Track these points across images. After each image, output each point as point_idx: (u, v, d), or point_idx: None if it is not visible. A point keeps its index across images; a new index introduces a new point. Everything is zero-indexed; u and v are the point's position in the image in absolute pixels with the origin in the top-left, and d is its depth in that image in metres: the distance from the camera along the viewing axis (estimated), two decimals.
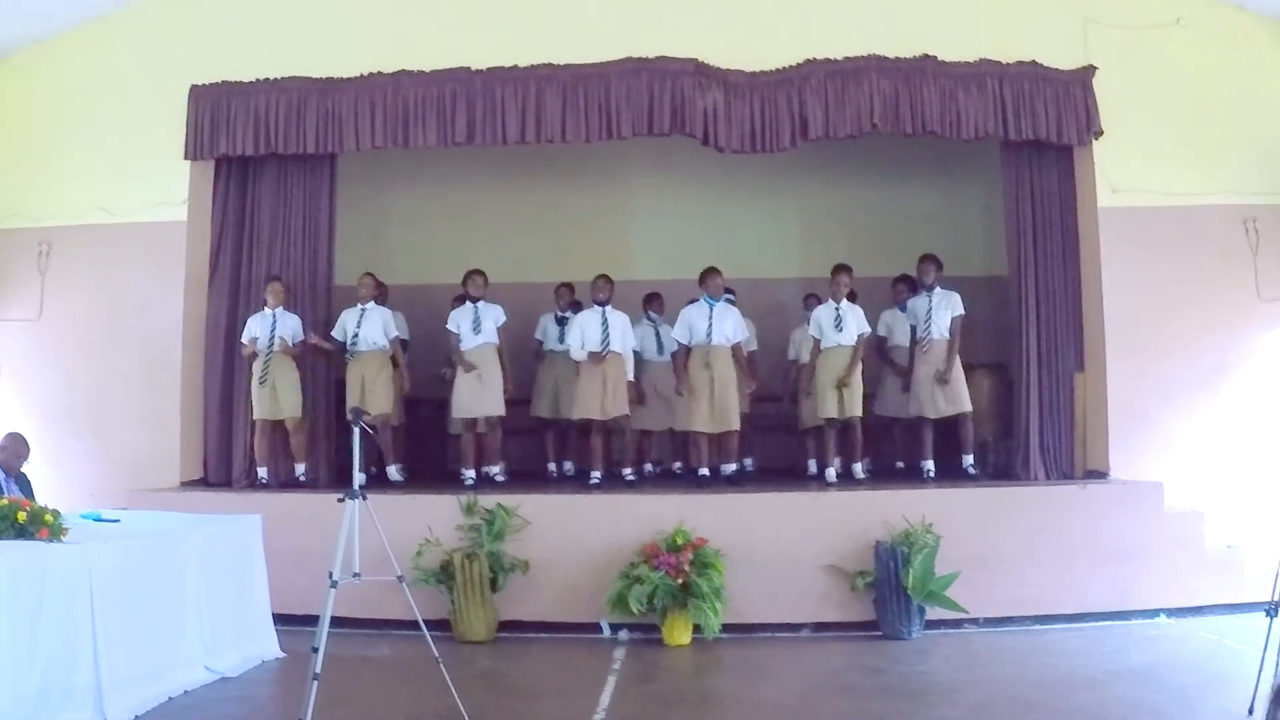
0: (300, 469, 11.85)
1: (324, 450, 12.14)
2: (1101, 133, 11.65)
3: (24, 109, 12.59)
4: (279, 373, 11.63)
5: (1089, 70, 11.69)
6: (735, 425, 11.53)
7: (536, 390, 13.11)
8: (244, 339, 11.73)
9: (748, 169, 13.61)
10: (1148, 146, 11.73)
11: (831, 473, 11.51)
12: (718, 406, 11.37)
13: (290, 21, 12.28)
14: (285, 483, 11.76)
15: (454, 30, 12.03)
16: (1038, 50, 11.72)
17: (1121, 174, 11.67)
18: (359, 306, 11.99)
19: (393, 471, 12.08)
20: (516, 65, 11.79)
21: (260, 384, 11.58)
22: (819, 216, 14.92)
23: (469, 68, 11.82)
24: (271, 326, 11.68)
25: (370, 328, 11.90)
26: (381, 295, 12.42)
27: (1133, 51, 11.76)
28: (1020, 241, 11.92)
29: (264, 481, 11.70)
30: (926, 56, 11.66)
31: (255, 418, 11.68)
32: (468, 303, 11.89)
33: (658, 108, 11.63)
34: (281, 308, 11.79)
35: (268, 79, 12.05)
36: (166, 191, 12.12)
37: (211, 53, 12.22)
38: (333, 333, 11.98)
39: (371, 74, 11.92)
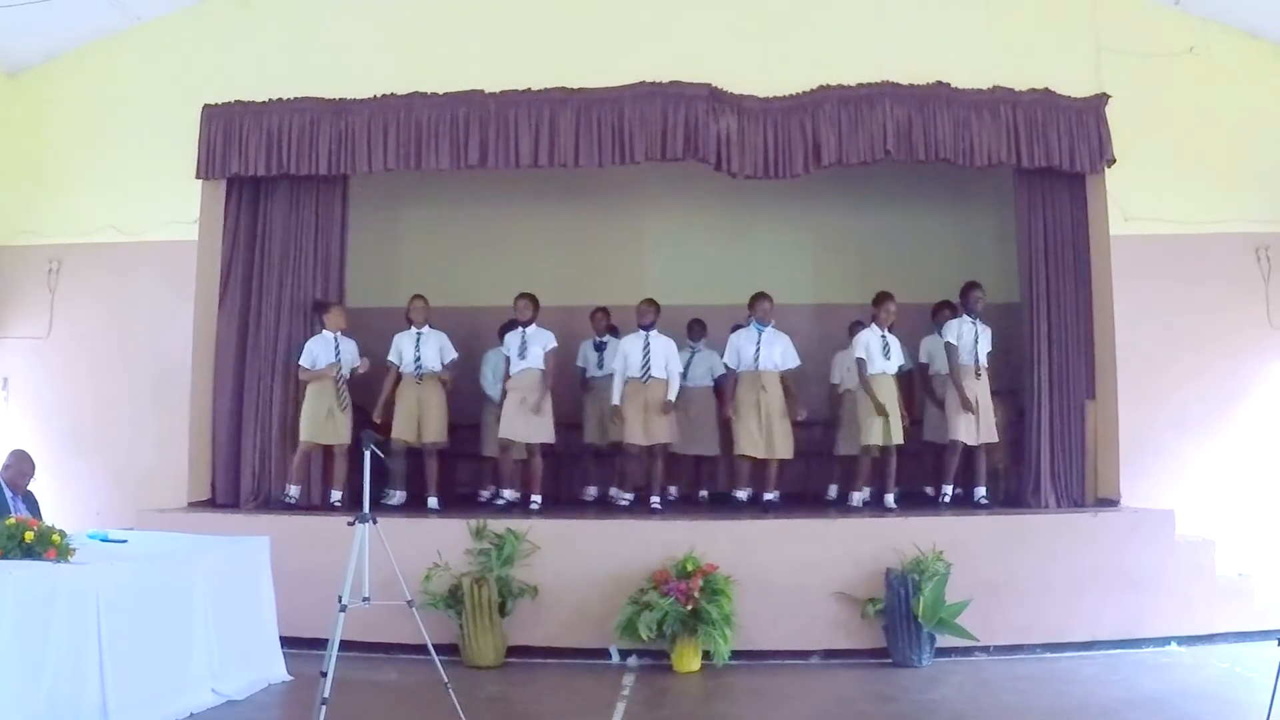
0: (337, 494, 11.74)
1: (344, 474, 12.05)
2: (1114, 160, 11.64)
3: (36, 126, 12.60)
4: (343, 399, 11.68)
5: (1102, 98, 11.68)
6: (786, 453, 11.54)
7: (585, 417, 13.12)
8: (304, 363, 11.72)
9: (761, 194, 13.57)
10: (1160, 174, 11.73)
11: (857, 497, 11.50)
12: (766, 431, 11.37)
13: (303, 42, 12.30)
14: (303, 505, 11.69)
15: (468, 53, 12.05)
16: (1051, 78, 11.71)
17: (1134, 202, 11.67)
18: (414, 330, 12.00)
19: (432, 502, 11.87)
20: (530, 88, 11.79)
21: (342, 410, 11.64)
22: (832, 243, 14.90)
23: (482, 90, 11.82)
24: (336, 350, 11.72)
25: (429, 351, 11.92)
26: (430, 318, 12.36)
27: (1146, 80, 11.76)
28: (1032, 269, 11.91)
29: (291, 501, 11.61)
30: (940, 83, 11.66)
31: (304, 438, 11.61)
32: (518, 327, 11.89)
33: (671, 132, 11.62)
34: (340, 332, 11.84)
35: (280, 99, 12.05)
36: (178, 210, 12.12)
37: (224, 72, 12.25)
38: (389, 358, 12.01)
39: (385, 95, 11.92)
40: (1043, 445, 11.64)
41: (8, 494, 9.76)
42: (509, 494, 11.83)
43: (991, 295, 12.29)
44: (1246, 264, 11.74)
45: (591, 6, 12.16)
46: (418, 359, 11.88)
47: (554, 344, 11.86)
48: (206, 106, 12.14)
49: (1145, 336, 11.55)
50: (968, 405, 11.60)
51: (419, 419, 11.75)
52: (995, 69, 11.73)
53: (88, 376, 12.12)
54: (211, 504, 11.99)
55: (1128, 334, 11.57)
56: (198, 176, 12.10)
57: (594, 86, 11.75)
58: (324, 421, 11.60)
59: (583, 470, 13.51)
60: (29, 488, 10.09)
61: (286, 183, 12.30)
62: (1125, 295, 11.60)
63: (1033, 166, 11.70)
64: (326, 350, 11.73)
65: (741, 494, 11.59)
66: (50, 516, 9.40)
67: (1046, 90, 11.69)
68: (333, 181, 12.29)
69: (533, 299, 11.97)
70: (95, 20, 12.26)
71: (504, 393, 11.86)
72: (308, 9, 12.42)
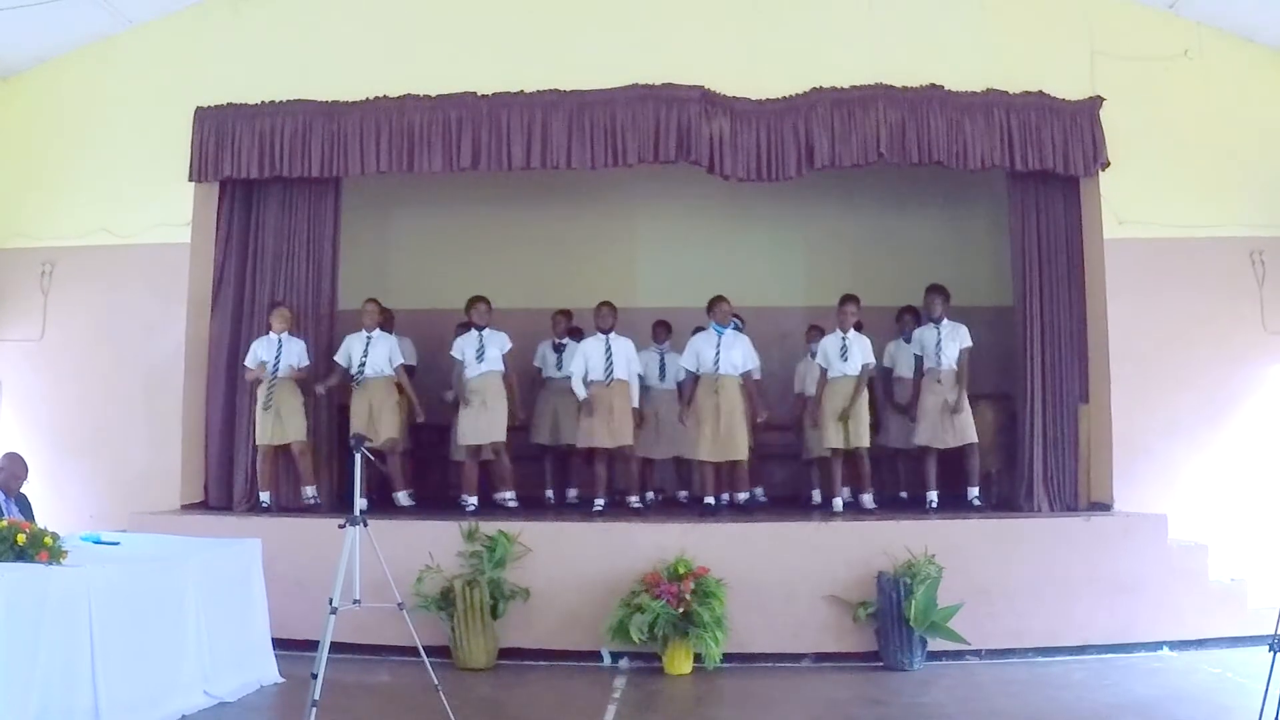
0: (309, 491, 11.75)
1: (327, 476, 12.10)
2: (1108, 164, 11.62)
3: (28, 129, 12.60)
4: (283, 398, 11.62)
5: (1096, 101, 11.67)
6: (741, 455, 11.49)
7: (536, 416, 13.10)
8: (248, 363, 11.70)
9: (754, 197, 13.59)
10: (1154, 178, 11.71)
11: (838, 501, 11.45)
12: (723, 435, 11.33)
13: (295, 44, 12.29)
14: (288, 507, 11.70)
15: (460, 55, 12.05)
16: (1045, 81, 11.71)
17: (1128, 205, 11.64)
18: (364, 334, 11.94)
19: (401, 497, 11.96)
20: (523, 91, 11.79)
21: (265, 409, 11.56)
22: (825, 245, 14.91)
23: (475, 93, 11.83)
24: (277, 352, 11.66)
25: (377, 355, 11.86)
26: (387, 321, 12.39)
27: (1140, 83, 11.75)
28: (1026, 272, 11.89)
29: (266, 506, 11.64)
30: (933, 86, 11.64)
31: (258, 443, 11.65)
32: (472, 330, 11.86)
33: (664, 135, 11.62)
34: (287, 333, 11.77)
35: (273, 101, 12.06)
36: (170, 213, 12.12)
37: (216, 75, 12.24)
38: (336, 358, 11.94)
39: (377, 98, 11.92)
40: (1036, 449, 11.61)
41: (0, 497, 9.75)
42: (471, 501, 11.71)
43: (985, 298, 12.31)
44: (1241, 268, 11.71)
45: (584, 9, 12.14)
46: (362, 363, 11.85)
47: (510, 345, 11.89)
48: (199, 109, 12.14)
49: (1139, 340, 11.53)
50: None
51: (369, 420, 11.72)
52: (989, 71, 11.72)
53: (81, 379, 12.12)
54: (204, 506, 11.99)
55: (1121, 338, 11.56)
56: (190, 179, 12.10)
57: (587, 89, 11.75)
58: (270, 422, 11.60)
59: (553, 472, 13.51)
60: (22, 490, 10.07)
61: (279, 185, 12.30)
62: (1119, 299, 11.59)
63: (1026, 169, 11.68)
64: (269, 350, 11.71)
65: (710, 499, 11.51)
66: (43, 519, 9.45)
67: (1040, 93, 11.68)
68: (325, 184, 12.29)
69: (488, 301, 11.98)
70: (87, 23, 12.23)
71: (461, 398, 11.80)
72: (299, 12, 12.41)
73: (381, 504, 11.80)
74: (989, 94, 11.65)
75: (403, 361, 12.16)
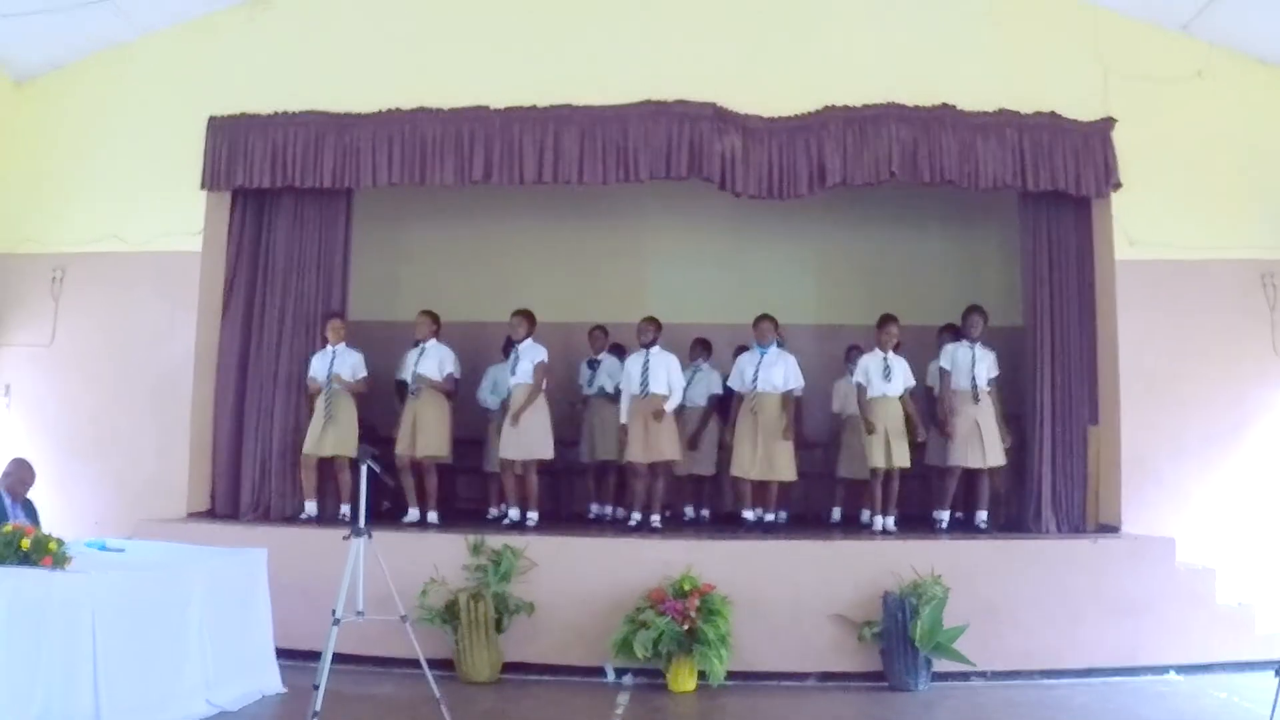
0: (346, 509, 11.63)
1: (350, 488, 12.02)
2: (1120, 185, 11.60)
3: (41, 135, 12.60)
4: (339, 410, 11.63)
5: (1109, 122, 11.66)
6: (784, 475, 11.52)
7: (581, 435, 13.16)
8: (309, 376, 11.85)
9: (764, 214, 13.56)
10: (1166, 200, 11.68)
11: (879, 520, 11.41)
12: (763, 453, 11.33)
13: (309, 56, 12.32)
14: (292, 517, 11.69)
15: (473, 69, 12.04)
16: (1057, 101, 11.69)
17: (1139, 227, 11.61)
18: (418, 345, 11.97)
19: (432, 516, 11.87)
20: (535, 105, 11.79)
21: (326, 420, 11.58)
22: (835, 264, 14.89)
23: (488, 107, 11.84)
24: (330, 364, 11.69)
25: (427, 365, 11.86)
26: (437, 330, 12.29)
27: (1153, 104, 11.72)
28: (1036, 293, 11.88)
29: (310, 517, 11.60)
30: (945, 106, 11.63)
31: (305, 452, 11.62)
32: (513, 344, 11.93)
33: (675, 151, 11.61)
34: (343, 344, 11.83)
35: (286, 112, 12.08)
36: (182, 221, 12.13)
37: (230, 84, 12.26)
38: (401, 375, 12.05)
39: (390, 110, 11.94)
40: (1044, 470, 11.59)
41: (6, 501, 9.77)
42: (513, 513, 11.73)
43: (995, 319, 12.25)
44: (1252, 291, 11.67)
45: (597, 25, 12.15)
46: (413, 374, 11.83)
47: (543, 358, 11.80)
48: (212, 118, 12.16)
49: (1149, 362, 11.50)
50: (944, 430, 11.72)
51: (414, 433, 11.70)
52: (1001, 91, 11.71)
53: (89, 385, 12.12)
54: (210, 515, 11.98)
55: (1131, 359, 11.53)
56: (202, 188, 12.12)
57: (599, 104, 11.75)
58: (318, 435, 11.61)
59: (586, 488, 13.50)
60: (28, 496, 10.10)
61: (291, 195, 12.30)
62: (1129, 320, 11.56)
63: (1038, 190, 11.67)
64: (322, 364, 11.77)
65: (749, 514, 11.52)
66: (49, 525, 9.42)
67: (1052, 114, 11.66)
68: (337, 195, 12.29)
69: (527, 315, 11.95)
70: (102, 30, 12.25)
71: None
72: (314, 23, 12.43)
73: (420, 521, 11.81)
74: (1001, 114, 11.63)
75: (450, 371, 12.10)
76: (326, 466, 11.83)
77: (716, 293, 14.01)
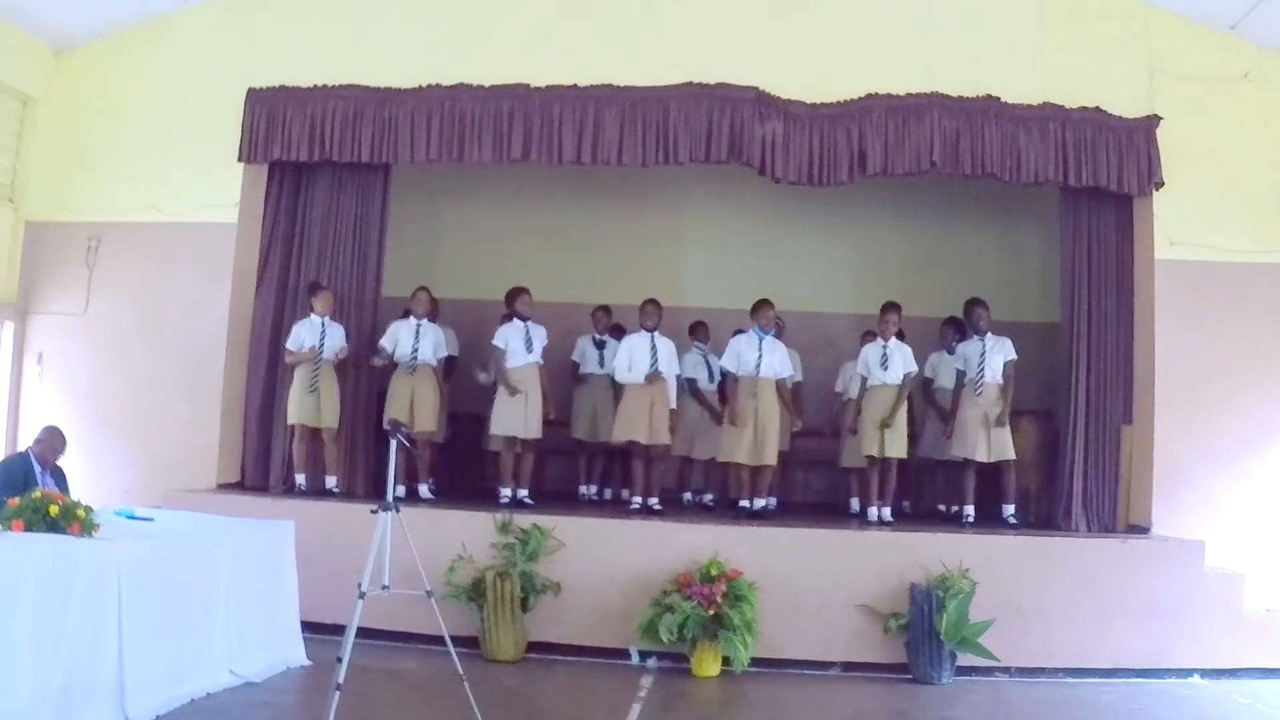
0: (331, 481, 11.74)
1: (362, 462, 12.07)
2: (1163, 183, 11.50)
3: (80, 104, 12.64)
4: (326, 382, 11.60)
5: (1153, 120, 11.55)
6: (772, 461, 11.44)
7: (575, 412, 13.10)
8: (290, 345, 11.66)
9: (803, 201, 13.55)
10: (1208, 200, 11.59)
11: (873, 511, 11.44)
12: (759, 439, 11.27)
13: (350, 30, 12.31)
14: (320, 491, 11.69)
15: (514, 47, 12.03)
16: (1102, 97, 11.59)
17: (1180, 226, 11.52)
18: (413, 321, 11.89)
19: (423, 489, 11.87)
20: (576, 85, 11.75)
21: (310, 391, 11.52)
22: (874, 253, 14.87)
23: (528, 85, 11.80)
24: (321, 335, 11.65)
25: (427, 344, 11.82)
26: (434, 311, 12.34)
27: (1198, 103, 11.64)
28: (1074, 289, 11.79)
29: (301, 488, 11.64)
30: (989, 97, 11.55)
31: (295, 423, 11.60)
32: (516, 320, 11.82)
33: (716, 135, 11.56)
34: (328, 317, 11.76)
35: (325, 85, 12.05)
36: (218, 193, 12.14)
37: (270, 57, 12.26)
38: (382, 342, 11.82)
39: (429, 86, 11.91)
40: (1076, 468, 11.51)
41: (37, 469, 9.83)
42: (521, 492, 11.74)
43: (1032, 315, 12.21)
44: None
45: (640, 4, 12.13)
46: (414, 350, 11.72)
47: (546, 340, 11.93)
48: (251, 90, 12.15)
49: (1185, 363, 11.41)
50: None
51: (411, 409, 11.63)
52: (1046, 85, 11.62)
53: (122, 355, 12.16)
54: (240, 487, 12.01)
55: (1167, 360, 11.44)
56: (240, 160, 12.11)
57: (640, 85, 11.71)
58: (309, 404, 11.56)
59: (581, 468, 13.56)
60: (59, 463, 10.13)
61: (328, 169, 12.29)
62: (1167, 321, 11.47)
63: (1080, 185, 11.57)
64: (312, 334, 11.66)
65: (744, 501, 11.46)
66: (79, 493, 9.48)
67: (1097, 109, 11.57)
68: (374, 170, 12.27)
69: (529, 293, 11.99)
70: (143, 1, 12.29)
71: (506, 387, 11.66)
72: None
73: (410, 494, 11.72)
74: (1045, 108, 11.54)
75: (447, 353, 12.15)
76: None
77: (753, 278, 13.87)
